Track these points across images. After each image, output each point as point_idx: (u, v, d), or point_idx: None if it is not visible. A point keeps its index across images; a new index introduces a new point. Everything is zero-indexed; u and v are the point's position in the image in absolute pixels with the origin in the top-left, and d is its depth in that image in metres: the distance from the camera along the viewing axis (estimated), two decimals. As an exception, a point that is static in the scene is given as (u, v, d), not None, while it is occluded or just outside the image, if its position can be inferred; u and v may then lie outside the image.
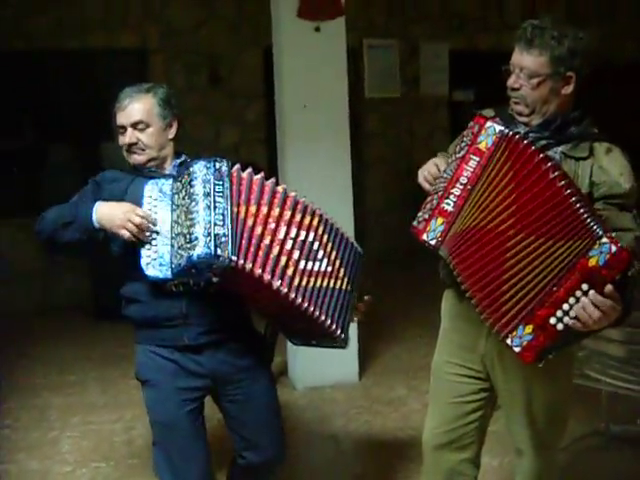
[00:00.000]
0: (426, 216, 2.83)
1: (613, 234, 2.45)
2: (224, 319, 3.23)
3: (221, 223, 2.81)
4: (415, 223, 2.86)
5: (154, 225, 3.00)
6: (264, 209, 2.91)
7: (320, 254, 2.97)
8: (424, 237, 2.81)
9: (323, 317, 2.92)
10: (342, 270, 3.02)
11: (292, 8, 5.45)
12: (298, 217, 2.96)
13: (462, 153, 2.77)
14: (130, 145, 3.16)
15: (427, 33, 10.33)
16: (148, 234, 2.99)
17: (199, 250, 2.76)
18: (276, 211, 2.93)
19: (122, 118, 3.16)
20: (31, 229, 3.19)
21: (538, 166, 2.57)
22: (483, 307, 2.67)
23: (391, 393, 5.77)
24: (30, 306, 8.11)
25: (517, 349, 2.58)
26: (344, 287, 3.01)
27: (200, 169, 2.90)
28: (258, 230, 2.87)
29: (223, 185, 2.88)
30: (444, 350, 3.20)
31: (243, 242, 2.83)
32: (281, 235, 2.89)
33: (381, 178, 10.18)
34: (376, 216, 9.94)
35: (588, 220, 2.47)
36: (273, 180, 2.99)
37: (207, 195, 2.85)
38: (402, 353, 6.60)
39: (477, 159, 2.73)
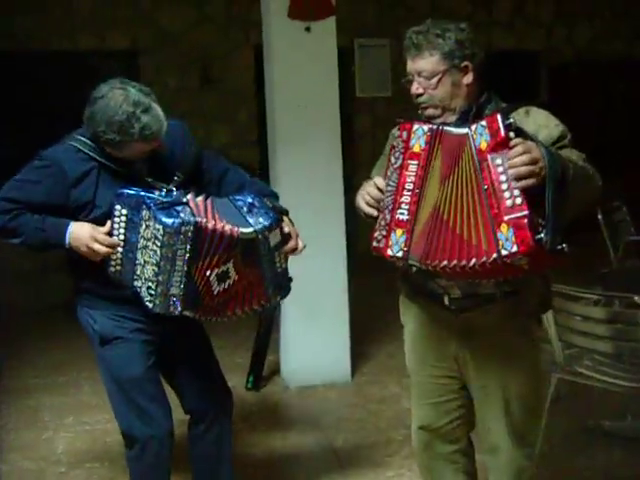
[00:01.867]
0: (384, 232, 2.82)
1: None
2: None
3: (177, 284, 3.08)
4: (375, 243, 2.85)
5: (119, 247, 3.17)
6: (213, 259, 3.14)
7: (232, 273, 3.20)
8: (389, 252, 2.79)
9: (252, 307, 3.39)
10: (251, 268, 3.27)
11: (282, 8, 5.46)
12: (228, 255, 3.17)
13: (399, 162, 2.79)
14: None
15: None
16: (114, 257, 3.18)
17: (155, 307, 3.14)
18: (218, 256, 3.14)
19: None
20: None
21: (459, 143, 2.65)
22: (463, 263, 2.65)
23: (384, 392, 5.78)
24: (21, 306, 8.11)
25: (515, 248, 2.50)
26: (257, 276, 3.30)
27: (162, 233, 3.04)
28: (201, 280, 3.14)
29: (185, 250, 3.06)
30: (416, 355, 3.24)
31: (192, 296, 3.13)
32: (211, 277, 3.15)
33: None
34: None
35: (458, 130, 2.67)
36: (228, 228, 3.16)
37: (166, 258, 3.06)
38: (395, 352, 6.56)
39: (415, 162, 2.75)
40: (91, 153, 3.22)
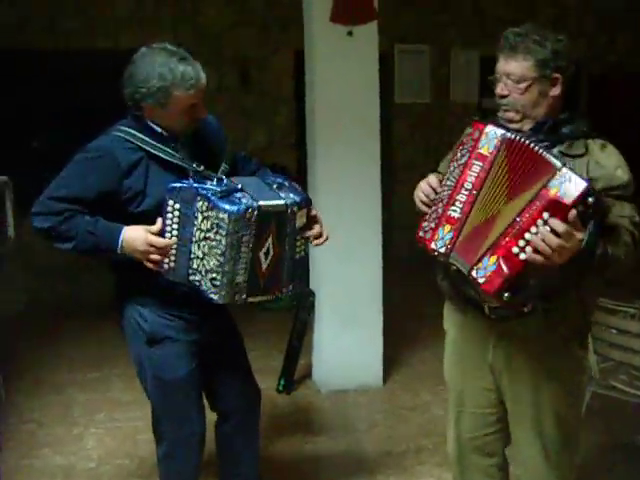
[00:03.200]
0: (432, 225, 2.84)
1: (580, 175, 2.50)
2: None
3: (242, 272, 3.06)
4: (421, 233, 2.88)
5: (175, 255, 3.11)
6: (265, 239, 3.15)
7: (271, 250, 3.18)
8: (432, 246, 2.82)
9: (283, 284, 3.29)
10: (280, 246, 3.22)
11: (325, 12, 5.44)
12: (269, 231, 3.16)
13: (464, 160, 2.79)
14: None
15: (458, 39, 10.31)
16: (167, 261, 3.11)
17: (221, 298, 3.08)
18: (266, 235, 3.14)
19: None
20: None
21: (531, 153, 2.62)
22: (458, 252, 2.74)
23: (416, 399, 5.76)
24: (56, 302, 8.15)
25: (481, 280, 2.59)
26: (288, 252, 3.26)
27: (226, 220, 2.99)
28: (257, 263, 3.13)
29: (250, 235, 3.04)
30: (456, 361, 3.24)
31: (252, 281, 3.12)
32: (262, 257, 3.15)
33: (409, 183, 10.15)
34: (404, 221, 9.90)
35: (548, 156, 2.54)
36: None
37: (231, 247, 3.01)
38: (428, 358, 6.56)
39: (480, 164, 2.74)
40: (138, 143, 3.17)
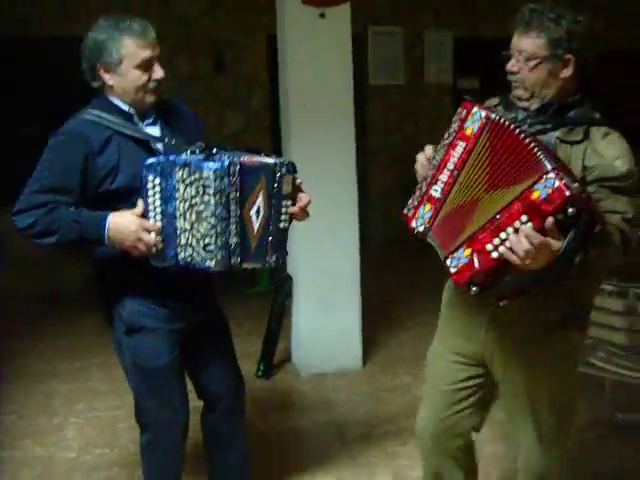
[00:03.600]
0: (415, 203, 2.84)
1: (571, 182, 2.41)
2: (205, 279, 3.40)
3: (234, 231, 3.01)
4: (405, 210, 2.87)
5: (161, 234, 3.04)
6: (254, 194, 3.07)
7: (262, 209, 3.11)
8: (413, 224, 2.82)
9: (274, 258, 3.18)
10: (272, 203, 3.13)
11: (297, -6, 5.42)
12: (258, 187, 3.09)
13: (450, 139, 2.76)
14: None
15: (432, 21, 10.31)
16: (154, 249, 3.05)
17: (217, 264, 3.00)
18: (256, 190, 3.08)
19: None
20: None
21: (519, 142, 2.55)
22: (438, 237, 2.73)
23: (395, 380, 5.77)
24: (35, 293, 8.11)
25: (453, 269, 2.61)
26: (272, 219, 3.14)
27: (211, 178, 2.94)
28: (248, 221, 3.06)
29: (236, 192, 2.99)
30: (441, 339, 3.22)
31: (245, 243, 3.05)
32: (253, 216, 3.08)
33: (384, 165, 10.17)
34: (379, 203, 9.92)
35: (541, 158, 2.46)
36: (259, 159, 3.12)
37: (221, 205, 2.96)
38: (406, 341, 6.59)
39: (464, 144, 2.71)
40: (106, 123, 3.15)
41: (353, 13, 5.56)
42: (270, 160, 3.11)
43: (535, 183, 2.42)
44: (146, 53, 3.15)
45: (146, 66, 3.17)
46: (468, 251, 2.57)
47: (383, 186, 10.05)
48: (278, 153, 5.85)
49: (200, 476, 3.98)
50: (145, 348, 3.33)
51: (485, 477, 3.88)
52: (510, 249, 2.45)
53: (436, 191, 2.77)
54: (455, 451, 3.24)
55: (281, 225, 3.18)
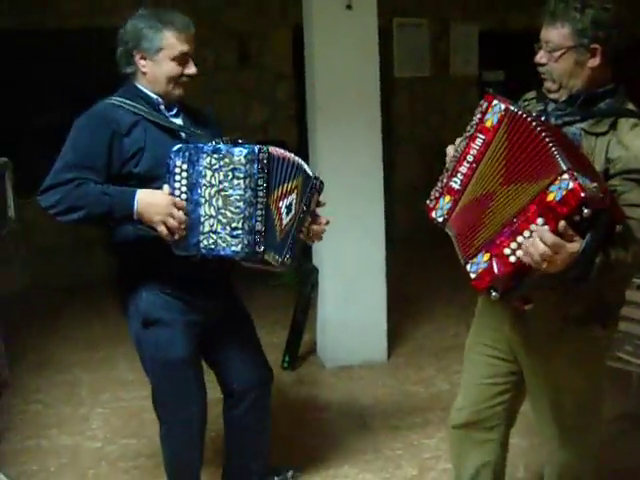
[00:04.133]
0: (437, 194, 2.86)
1: (587, 182, 2.35)
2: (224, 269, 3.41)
3: (260, 219, 3.01)
4: (428, 201, 2.90)
5: (189, 215, 3.04)
6: (286, 187, 3.12)
7: (293, 208, 3.17)
8: (433, 214, 2.86)
9: (290, 260, 3.19)
10: (302, 210, 3.22)
11: (323, -15, 5.41)
12: (294, 183, 3.16)
13: (471, 132, 2.76)
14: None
15: (457, 13, 10.26)
16: (183, 226, 3.03)
17: (241, 247, 3.01)
18: (289, 185, 3.14)
19: None
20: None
21: (536, 136, 2.52)
22: (458, 242, 2.72)
23: (420, 373, 5.76)
24: (60, 282, 8.14)
25: (473, 275, 2.59)
26: (297, 224, 3.21)
27: (242, 162, 2.98)
28: (276, 212, 3.10)
29: (264, 179, 3.02)
30: (476, 331, 3.21)
31: (270, 232, 3.07)
32: (282, 209, 3.12)
33: (410, 157, 10.15)
34: (404, 195, 9.90)
35: (557, 158, 2.42)
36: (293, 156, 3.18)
37: (250, 189, 2.99)
38: (431, 333, 6.58)
39: (483, 137, 2.70)
40: (132, 109, 3.19)
41: (379, 5, 5.54)
42: (309, 170, 3.22)
43: (550, 184, 2.39)
44: (184, 47, 3.22)
45: (182, 60, 3.24)
46: (487, 256, 2.56)
47: (409, 178, 10.03)
48: (304, 145, 5.89)
49: (219, 469, 3.98)
50: (161, 341, 3.34)
51: (512, 468, 3.87)
52: (527, 252, 2.42)
53: (455, 183, 2.78)
54: (486, 443, 3.22)
55: (301, 236, 3.25)
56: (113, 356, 6.23)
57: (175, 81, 3.25)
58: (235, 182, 2.98)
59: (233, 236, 3.00)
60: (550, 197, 2.38)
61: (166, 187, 3.04)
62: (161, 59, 3.21)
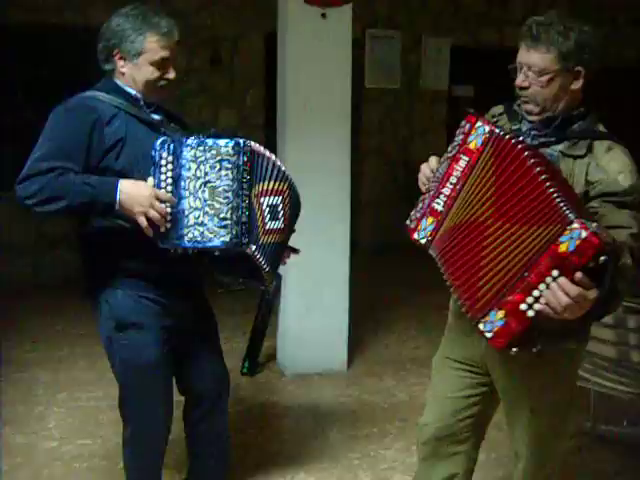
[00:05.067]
0: (418, 215, 2.85)
1: (593, 224, 2.35)
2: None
3: (246, 210, 3.02)
4: (408, 222, 2.89)
5: (174, 208, 3.01)
6: (269, 185, 3.15)
7: (280, 214, 3.20)
8: (415, 236, 2.84)
9: (267, 268, 3.19)
10: (288, 224, 3.29)
11: (299, -6, 5.42)
12: (277, 185, 3.19)
13: (453, 153, 2.75)
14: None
15: (430, 27, 10.31)
16: (169, 218, 3.01)
17: (230, 237, 2.99)
18: (272, 184, 3.16)
19: None
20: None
21: (523, 162, 2.51)
22: (459, 293, 2.65)
23: (379, 384, 5.77)
24: (19, 281, 8.08)
25: (489, 334, 2.53)
26: (285, 239, 3.34)
27: (230, 152, 3.00)
28: (258, 207, 3.10)
29: (250, 172, 3.05)
30: (446, 346, 3.20)
31: (253, 226, 3.07)
32: (264, 206, 3.13)
33: (377, 169, 10.18)
34: (370, 206, 9.93)
35: (562, 206, 2.39)
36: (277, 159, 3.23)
37: (237, 180, 3.00)
38: (392, 344, 6.60)
39: (467, 159, 2.69)
40: (111, 102, 3.16)
41: (352, 16, 5.56)
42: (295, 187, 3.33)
43: (559, 235, 2.37)
44: (165, 53, 3.19)
45: (162, 65, 3.21)
46: (501, 313, 2.50)
47: (375, 189, 10.06)
48: (272, 152, 5.88)
49: (181, 469, 3.96)
50: (135, 344, 3.30)
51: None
52: (549, 305, 2.40)
53: (438, 204, 2.77)
54: (455, 456, 3.22)
55: (286, 246, 3.41)
56: (72, 356, 6.19)
57: (153, 85, 3.22)
58: (223, 173, 2.98)
59: (222, 226, 2.98)
60: (562, 248, 2.36)
61: (150, 179, 3.00)
62: (140, 63, 3.18)
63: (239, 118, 9.42)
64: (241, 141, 3.02)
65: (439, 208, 2.76)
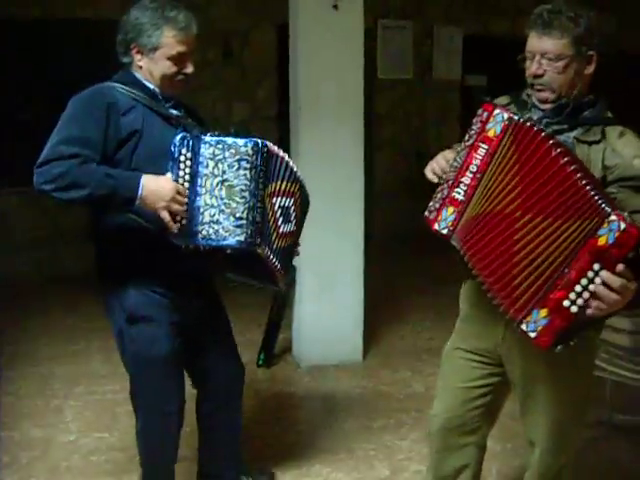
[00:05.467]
0: (437, 205, 2.82)
1: (625, 214, 2.37)
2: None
3: (260, 210, 3.04)
4: (427, 213, 2.86)
5: (189, 204, 3.03)
6: (281, 185, 3.17)
7: (292, 216, 3.25)
8: (436, 227, 2.81)
9: (282, 270, 3.28)
10: (299, 226, 3.34)
11: (310, -16, 5.40)
12: (290, 186, 3.23)
13: (471, 141, 2.74)
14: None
15: (442, 16, 10.29)
16: (185, 215, 3.03)
17: (245, 237, 3.01)
18: (284, 185, 3.19)
19: None
20: (35, 197, 3.07)
21: (547, 151, 2.51)
22: (495, 292, 2.63)
23: (395, 374, 5.77)
24: (35, 275, 8.11)
25: (533, 334, 2.52)
26: (295, 240, 3.39)
27: (249, 152, 3.00)
28: (270, 208, 3.12)
29: (266, 172, 3.06)
30: (458, 336, 3.19)
31: (265, 228, 3.10)
32: (276, 207, 3.16)
33: (390, 160, 10.17)
34: (383, 197, 9.92)
35: (597, 199, 2.40)
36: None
37: (254, 180, 3.02)
38: (407, 335, 6.59)
39: (486, 147, 2.69)
40: (129, 93, 3.15)
41: (364, 6, 5.54)
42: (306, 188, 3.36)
43: (597, 229, 2.37)
44: (182, 48, 3.18)
45: (179, 59, 3.20)
46: (544, 312, 2.49)
47: (389, 179, 10.05)
48: (284, 145, 5.88)
49: (194, 463, 3.97)
50: (146, 338, 3.32)
51: (485, 472, 3.87)
52: (596, 299, 2.41)
53: (459, 194, 2.75)
54: (465, 447, 3.22)
55: (298, 243, 3.43)
56: (87, 349, 6.21)
57: (170, 79, 3.21)
58: (241, 172, 2.98)
59: (237, 226, 2.99)
60: (602, 241, 2.37)
61: (169, 174, 3.01)
62: (157, 57, 3.17)
63: (252, 110, 9.42)
64: (259, 141, 3.02)
65: (459, 197, 2.75)
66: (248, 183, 2.99)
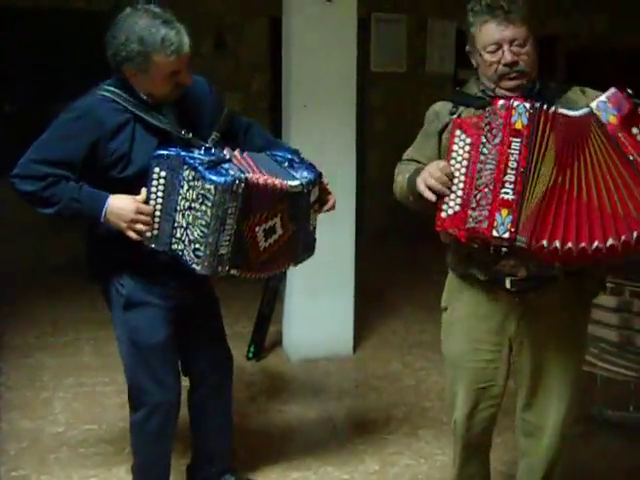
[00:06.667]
0: (485, 213, 2.65)
1: None
2: None
3: (226, 243, 3.02)
4: (473, 224, 2.68)
5: (157, 220, 3.07)
6: (263, 215, 3.14)
7: (278, 229, 3.22)
8: (494, 234, 2.63)
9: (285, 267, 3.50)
10: (293, 224, 3.28)
11: (303, -23, 5.39)
12: (274, 208, 3.18)
13: (499, 139, 2.66)
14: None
15: (436, 10, 10.26)
16: (155, 226, 3.07)
17: (203, 269, 3.05)
18: (267, 212, 3.15)
19: None
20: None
21: (582, 124, 2.63)
22: (525, 234, 2.64)
23: (386, 368, 5.77)
24: (25, 265, 8.07)
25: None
26: (292, 234, 3.30)
27: (214, 192, 2.95)
28: (250, 237, 3.13)
29: (236, 207, 3.00)
30: (470, 337, 3.12)
31: (238, 255, 3.11)
32: (259, 233, 3.15)
33: (382, 152, 10.14)
34: (376, 190, 9.90)
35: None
36: (277, 182, 3.16)
37: (217, 217, 2.97)
38: (398, 329, 6.59)
39: (518, 140, 2.62)
40: (125, 104, 3.12)
41: (357, -1, 5.53)
42: (295, 182, 3.20)
43: (599, 118, 2.60)
44: (175, 67, 3.13)
45: (172, 77, 3.15)
46: None
47: (380, 173, 10.03)
48: (278, 136, 5.86)
49: (188, 453, 3.97)
50: (143, 324, 3.35)
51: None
52: None
53: (507, 194, 2.63)
54: (483, 446, 3.31)
55: (311, 228, 3.40)
56: (78, 341, 6.19)
57: (165, 92, 3.18)
58: (203, 208, 2.97)
59: (196, 255, 3.02)
60: (612, 119, 2.59)
61: (144, 191, 3.05)
62: (151, 76, 3.11)
63: (244, 103, 9.39)
64: (230, 179, 2.96)
65: (509, 197, 2.62)
66: (208, 220, 2.97)
